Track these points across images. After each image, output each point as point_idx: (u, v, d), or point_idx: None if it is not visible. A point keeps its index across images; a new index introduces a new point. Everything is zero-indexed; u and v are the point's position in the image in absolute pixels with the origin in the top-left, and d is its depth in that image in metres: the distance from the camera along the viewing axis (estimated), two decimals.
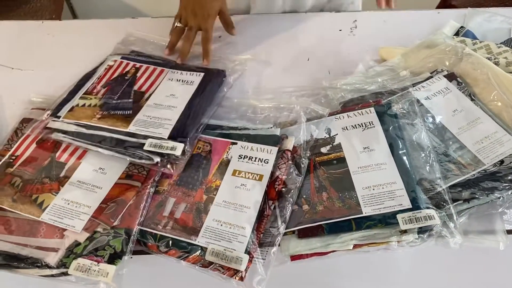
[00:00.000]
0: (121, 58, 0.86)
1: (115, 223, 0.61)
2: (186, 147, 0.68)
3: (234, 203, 0.64)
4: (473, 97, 0.74)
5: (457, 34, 0.90)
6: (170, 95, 0.78)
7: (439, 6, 1.58)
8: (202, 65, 0.85)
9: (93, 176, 0.67)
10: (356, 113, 0.72)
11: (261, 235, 0.62)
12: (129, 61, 0.85)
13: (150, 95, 0.78)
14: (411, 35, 0.90)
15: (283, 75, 0.85)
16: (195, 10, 0.83)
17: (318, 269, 0.63)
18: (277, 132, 0.71)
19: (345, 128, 0.71)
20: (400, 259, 0.63)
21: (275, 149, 0.69)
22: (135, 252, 0.61)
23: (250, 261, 0.59)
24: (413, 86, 0.76)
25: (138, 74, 0.82)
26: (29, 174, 0.67)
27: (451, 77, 0.77)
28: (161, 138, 0.69)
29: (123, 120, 0.73)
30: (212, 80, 0.81)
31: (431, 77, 0.78)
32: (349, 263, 0.63)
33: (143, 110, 0.75)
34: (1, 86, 0.84)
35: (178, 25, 0.86)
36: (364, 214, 0.61)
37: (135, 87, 0.80)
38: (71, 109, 0.75)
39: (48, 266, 0.57)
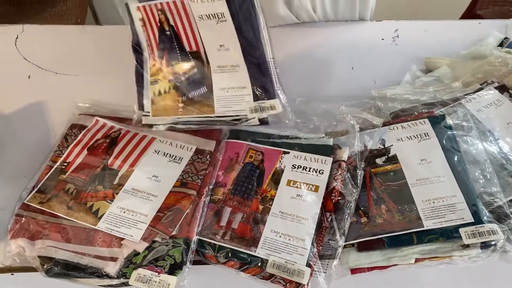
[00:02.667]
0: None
1: (173, 233, 0.60)
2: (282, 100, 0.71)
3: (292, 214, 0.63)
4: None
5: (501, 45, 0.89)
6: (220, 47, 0.70)
7: (464, 16, 1.57)
8: None
9: (148, 183, 0.66)
10: (410, 124, 0.71)
11: (320, 247, 0.61)
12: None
13: (206, 56, 0.71)
14: (453, 45, 0.89)
15: (329, 83, 0.84)
16: None
17: (379, 282, 0.62)
18: (330, 142, 0.70)
19: (400, 139, 0.70)
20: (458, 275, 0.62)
21: (329, 160, 0.68)
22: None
23: (311, 274, 0.58)
24: (465, 98, 0.75)
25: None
26: (82, 181, 0.66)
27: (502, 88, 0.76)
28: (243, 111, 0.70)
29: (206, 105, 0.71)
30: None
31: (481, 88, 0.77)
32: (409, 277, 0.62)
33: (214, 83, 0.71)
34: (46, 91, 0.83)
35: None
36: (425, 228, 0.60)
37: (187, 49, 0.72)
38: (152, 102, 0.73)
39: (108, 276, 0.57)
